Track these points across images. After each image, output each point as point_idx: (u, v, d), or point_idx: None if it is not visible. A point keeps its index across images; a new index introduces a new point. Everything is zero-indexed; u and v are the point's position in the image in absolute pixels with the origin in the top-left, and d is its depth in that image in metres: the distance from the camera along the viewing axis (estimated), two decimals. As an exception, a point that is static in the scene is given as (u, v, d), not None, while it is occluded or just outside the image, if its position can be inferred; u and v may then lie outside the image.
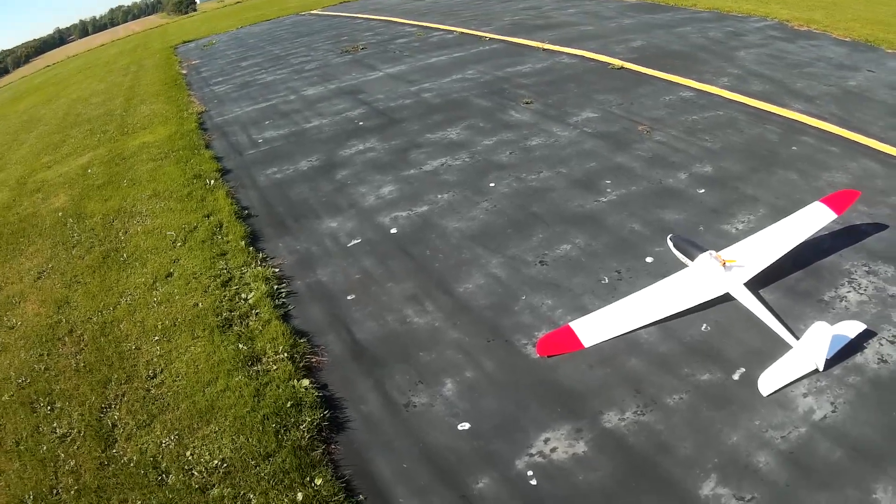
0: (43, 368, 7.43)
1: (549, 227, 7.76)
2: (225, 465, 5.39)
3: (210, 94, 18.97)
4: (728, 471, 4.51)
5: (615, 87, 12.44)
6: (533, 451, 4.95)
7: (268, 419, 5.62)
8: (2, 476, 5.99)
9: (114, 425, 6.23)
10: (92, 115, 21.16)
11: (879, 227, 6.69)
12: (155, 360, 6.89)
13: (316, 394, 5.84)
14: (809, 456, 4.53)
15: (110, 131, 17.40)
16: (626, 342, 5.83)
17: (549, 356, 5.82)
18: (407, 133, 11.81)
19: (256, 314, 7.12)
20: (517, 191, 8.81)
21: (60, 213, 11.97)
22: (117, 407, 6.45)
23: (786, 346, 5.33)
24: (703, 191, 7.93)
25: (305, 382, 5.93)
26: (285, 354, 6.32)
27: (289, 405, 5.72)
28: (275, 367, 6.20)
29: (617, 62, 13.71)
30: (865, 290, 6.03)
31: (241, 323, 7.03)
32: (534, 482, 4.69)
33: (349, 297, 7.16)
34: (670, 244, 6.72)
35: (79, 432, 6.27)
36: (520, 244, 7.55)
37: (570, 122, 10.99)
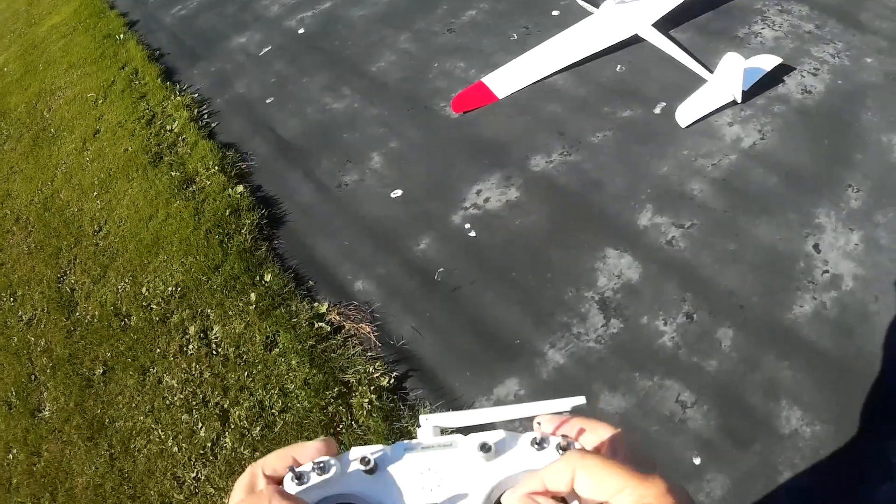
0: (-1, 265, 7.15)
1: None
2: (179, 289, 5.17)
3: None
4: (663, 201, 4.37)
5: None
6: (467, 204, 4.82)
7: (210, 232, 5.31)
8: None
9: (72, 290, 6.03)
10: None
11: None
12: (97, 214, 6.55)
13: (251, 197, 5.58)
14: (744, 183, 4.37)
15: (18, 28, 16.20)
16: (543, 91, 5.58)
17: (464, 112, 5.64)
18: None
19: (183, 139, 6.69)
20: None
21: (-14, 119, 11.26)
22: (72, 272, 6.21)
23: (701, 81, 5.04)
24: None
25: (239, 188, 5.62)
26: (216, 168, 5.95)
27: (227, 213, 5.41)
28: (208, 183, 5.84)
29: None
30: (780, 27, 5.64)
31: (171, 152, 6.64)
32: (473, 234, 4.59)
33: (268, 101, 6.88)
34: None
35: (43, 310, 6.09)
36: (426, 17, 7.21)
37: None
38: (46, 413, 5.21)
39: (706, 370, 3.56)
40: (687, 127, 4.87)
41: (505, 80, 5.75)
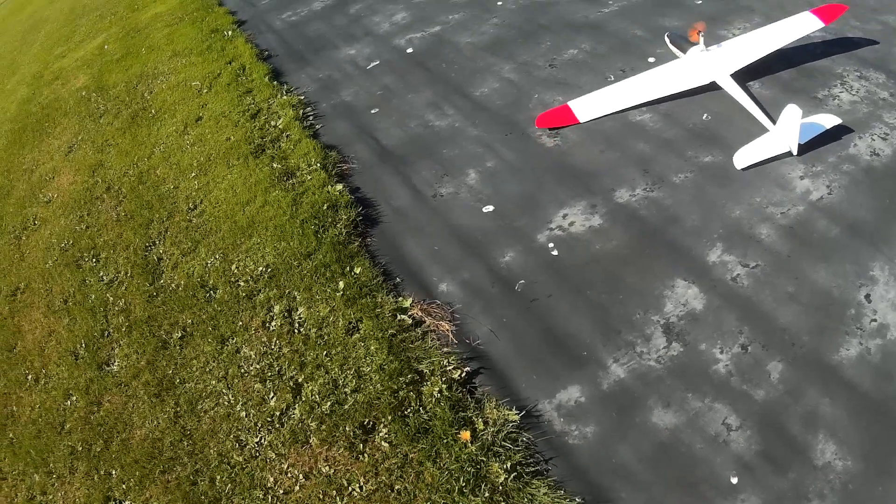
0: (84, 228, 7.92)
1: (557, 36, 8.19)
2: (269, 270, 5.79)
3: None
4: (733, 240, 4.94)
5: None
6: (552, 225, 5.44)
7: (306, 222, 5.97)
8: (52, 336, 6.53)
9: (159, 259, 6.70)
10: (98, 2, 21.19)
11: (870, 41, 6.84)
12: (194, 193, 7.29)
13: (349, 196, 6.26)
14: (808, 231, 4.91)
15: (120, 12, 17.51)
16: (633, 129, 6.24)
17: (548, 128, 6.46)
18: None
19: (287, 136, 7.49)
20: (523, 6, 9.21)
21: (83, 92, 12.30)
22: (161, 243, 6.90)
23: (765, 130, 5.69)
24: (700, 1, 8.14)
25: (339, 186, 6.32)
26: (318, 165, 6.69)
27: (325, 207, 6.09)
28: (309, 178, 6.56)
29: None
30: (857, 92, 6.26)
31: (274, 146, 7.43)
32: (555, 252, 5.19)
33: (373, 111, 7.69)
34: (667, 40, 7.21)
35: (125, 274, 6.77)
36: (530, 51, 8.04)
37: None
38: (115, 367, 5.82)
39: (753, 398, 4.04)
40: (743, 170, 5.53)
41: (589, 106, 6.55)
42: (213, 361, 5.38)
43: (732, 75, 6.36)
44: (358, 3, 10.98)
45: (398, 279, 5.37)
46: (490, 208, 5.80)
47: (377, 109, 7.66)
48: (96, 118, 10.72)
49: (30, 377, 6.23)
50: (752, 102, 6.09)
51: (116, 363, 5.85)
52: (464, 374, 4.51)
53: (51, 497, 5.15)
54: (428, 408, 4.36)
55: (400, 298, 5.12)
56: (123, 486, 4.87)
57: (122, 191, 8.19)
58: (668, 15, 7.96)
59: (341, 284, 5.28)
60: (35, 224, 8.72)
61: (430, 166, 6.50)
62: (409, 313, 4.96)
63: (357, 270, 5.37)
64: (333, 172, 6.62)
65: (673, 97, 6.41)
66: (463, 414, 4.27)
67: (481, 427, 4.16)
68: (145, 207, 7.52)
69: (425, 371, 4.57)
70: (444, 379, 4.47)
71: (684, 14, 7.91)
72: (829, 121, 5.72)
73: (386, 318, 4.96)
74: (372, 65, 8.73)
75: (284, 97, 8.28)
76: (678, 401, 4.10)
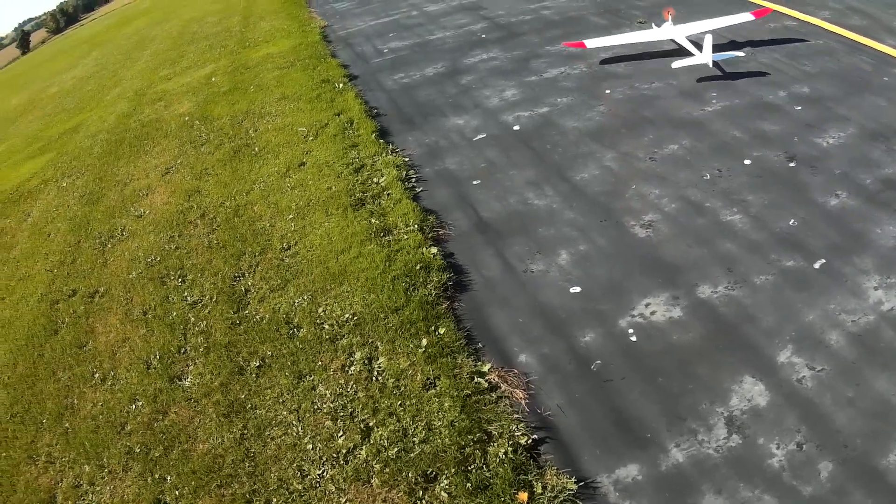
0: (174, 248, 8.97)
1: (659, 130, 9.00)
2: (355, 318, 6.61)
3: (331, 11, 20.84)
4: (803, 343, 5.53)
5: (727, 8, 13.41)
6: (634, 312, 6.11)
7: (398, 279, 6.80)
8: (126, 342, 7.44)
9: (247, 290, 7.61)
10: (209, 32, 23.22)
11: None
12: (289, 234, 8.25)
13: (442, 260, 7.07)
14: (875, 340, 5.46)
15: (230, 46, 19.23)
16: (723, 228, 6.94)
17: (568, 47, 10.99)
18: (528, 45, 13.29)
19: (388, 195, 8.41)
20: (630, 97, 10.09)
21: (186, 118, 13.69)
22: (251, 275, 7.82)
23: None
24: (799, 108, 8.87)
25: (433, 250, 7.16)
26: (415, 227, 7.56)
27: (418, 268, 6.92)
28: (405, 237, 7.43)
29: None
30: None
31: (374, 202, 8.36)
32: (634, 338, 5.85)
33: (475, 182, 8.60)
34: (653, 25, 11.68)
35: (210, 298, 7.67)
36: (632, 142, 8.85)
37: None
38: (187, 383, 6.64)
39: (801, 493, 4.57)
40: (674, 68, 9.91)
41: (598, 42, 11.14)
42: (288, 394, 6.13)
43: (687, 37, 10.76)
44: (470, 75, 12.19)
45: (480, 344, 6.10)
46: (577, 289, 6.50)
47: (479, 181, 8.55)
48: (197, 145, 11.97)
49: (96, 375, 7.11)
50: (691, 45, 10.36)
51: (189, 379, 6.65)
52: (530, 441, 5.17)
53: (98, 488, 5.87)
54: (491, 466, 5.03)
55: (479, 363, 5.84)
56: (176, 492, 5.56)
57: (216, 220, 9.22)
58: (767, 119, 8.74)
59: (424, 342, 6.05)
60: (123, 235, 9.85)
61: (524, 242, 7.27)
62: (486, 377, 5.68)
63: (441, 331, 6.14)
64: (430, 235, 7.45)
65: (651, 44, 11.24)
66: (524, 476, 4.91)
67: (539, 491, 4.79)
68: (238, 240, 8.48)
69: (494, 432, 5.26)
70: (510, 442, 5.13)
71: (782, 119, 8.69)
72: (735, 52, 10.17)
73: (463, 379, 5.68)
74: (478, 137, 9.72)
75: (389, 156, 9.29)
76: (730, 489, 4.66)
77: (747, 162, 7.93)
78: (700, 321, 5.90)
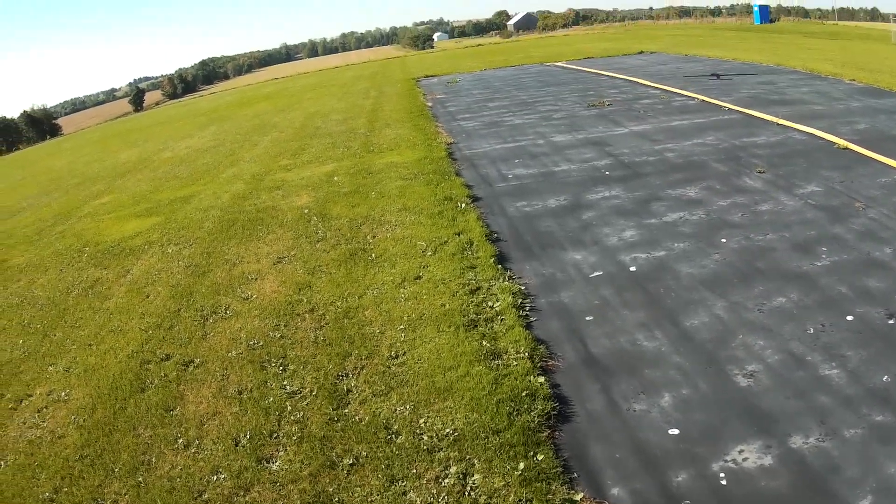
0: (278, 336, 9.85)
1: (770, 282, 9.68)
2: (455, 433, 7.27)
3: (458, 128, 22.56)
4: (882, 495, 5.95)
5: (838, 164, 14.69)
6: (728, 458, 6.62)
7: (502, 402, 7.48)
8: (217, 416, 8.17)
9: (348, 391, 8.34)
10: (332, 130, 25.06)
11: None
12: (398, 344, 9.06)
13: (549, 390, 7.73)
14: None
15: (354, 147, 20.80)
16: (820, 382, 7.45)
17: None
18: (649, 186, 14.43)
19: (501, 320, 9.18)
20: (745, 248, 10.87)
21: (305, 211, 14.96)
22: (355, 376, 8.57)
23: None
24: None
25: (541, 379, 7.83)
26: (525, 354, 8.26)
27: (524, 394, 7.58)
28: (514, 364, 8.13)
29: (842, 142, 16.09)
30: None
31: (486, 325, 9.13)
32: (724, 482, 6.33)
33: (587, 318, 9.35)
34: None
35: (310, 391, 8.42)
36: (742, 292, 9.53)
37: (797, 192, 13.21)
38: (275, 466, 7.28)
39: None
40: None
41: None
42: (377, 494, 6.74)
43: None
44: (591, 211, 13.21)
45: (575, 474, 6.65)
46: (675, 431, 7.04)
47: (591, 317, 9.27)
48: (313, 241, 13.10)
49: (180, 440, 7.78)
50: None
51: (278, 464, 7.27)
52: (616, 576, 5.78)
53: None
54: None
55: (573, 491, 6.38)
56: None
57: (325, 317, 10.12)
58: (872, 276, 9.36)
59: (521, 465, 6.68)
60: (226, 313, 10.80)
61: (630, 381, 7.89)
62: (578, 507, 6.32)
63: (540, 457, 6.75)
64: (538, 364, 8.12)
65: None
66: None
67: None
68: (346, 340, 9.32)
69: (578, 562, 5.87)
70: (597, 573, 5.74)
71: (889, 276, 9.32)
72: None
73: (555, 505, 6.32)
74: (594, 274, 10.54)
75: (506, 282, 10.12)
76: None
77: (850, 318, 8.54)
78: (788, 469, 6.37)
